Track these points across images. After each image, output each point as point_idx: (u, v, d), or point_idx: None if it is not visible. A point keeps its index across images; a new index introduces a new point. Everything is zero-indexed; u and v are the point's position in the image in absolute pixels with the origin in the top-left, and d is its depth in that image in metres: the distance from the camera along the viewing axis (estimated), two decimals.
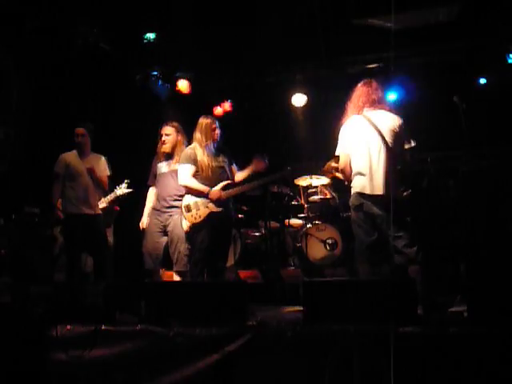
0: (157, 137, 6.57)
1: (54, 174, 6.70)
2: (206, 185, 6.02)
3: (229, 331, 4.12)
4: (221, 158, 6.20)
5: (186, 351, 4.14)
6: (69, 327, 4.40)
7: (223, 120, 7.48)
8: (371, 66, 8.52)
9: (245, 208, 8.44)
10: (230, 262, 7.46)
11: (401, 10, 6.81)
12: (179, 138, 6.51)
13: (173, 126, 6.51)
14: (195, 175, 6.06)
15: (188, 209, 6.02)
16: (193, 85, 8.74)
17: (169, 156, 6.50)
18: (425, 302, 4.68)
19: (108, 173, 6.93)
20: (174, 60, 8.50)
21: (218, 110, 9.27)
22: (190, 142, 6.36)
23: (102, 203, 7.01)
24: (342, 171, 5.33)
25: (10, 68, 6.86)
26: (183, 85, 8.68)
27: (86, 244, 6.70)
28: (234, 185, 6.17)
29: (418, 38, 7.52)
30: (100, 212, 6.86)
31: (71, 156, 6.78)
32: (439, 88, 7.98)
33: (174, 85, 8.71)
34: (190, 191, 6.06)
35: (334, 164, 7.60)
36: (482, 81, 8.37)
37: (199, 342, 4.14)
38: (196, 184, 6.04)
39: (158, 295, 4.64)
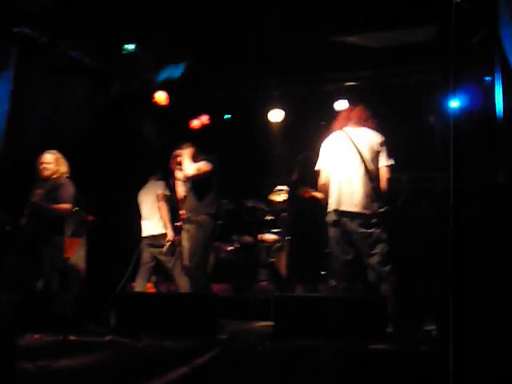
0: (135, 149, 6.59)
1: None
2: None
3: (198, 344, 4.11)
4: None
5: (155, 363, 4.12)
6: (37, 336, 4.35)
7: (200, 133, 7.50)
8: (348, 83, 8.57)
9: (219, 222, 8.42)
10: None
11: (378, 29, 6.88)
12: None
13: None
14: None
15: None
16: (171, 97, 8.70)
17: None
18: (395, 321, 4.70)
19: None
20: (152, 71, 8.46)
21: (196, 123, 9.25)
22: None
23: None
24: (323, 187, 5.31)
25: None
26: (161, 96, 8.64)
27: None
28: None
29: (395, 57, 7.58)
30: None
31: None
32: (415, 108, 8.05)
33: (151, 96, 8.65)
34: None
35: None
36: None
37: (168, 354, 4.12)
38: None
39: (128, 306, 4.61)
